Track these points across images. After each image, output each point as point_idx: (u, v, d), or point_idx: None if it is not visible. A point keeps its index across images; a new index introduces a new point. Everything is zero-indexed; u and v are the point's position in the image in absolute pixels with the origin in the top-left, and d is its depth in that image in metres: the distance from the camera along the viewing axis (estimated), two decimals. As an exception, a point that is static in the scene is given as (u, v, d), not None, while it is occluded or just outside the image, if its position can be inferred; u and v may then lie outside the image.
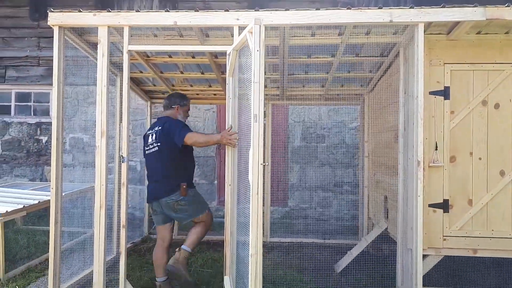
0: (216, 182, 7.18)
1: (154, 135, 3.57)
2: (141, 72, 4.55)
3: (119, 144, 4.23)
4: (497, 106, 3.48)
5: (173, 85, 4.99)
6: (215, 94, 5.15)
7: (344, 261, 4.23)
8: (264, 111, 5.21)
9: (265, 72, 4.34)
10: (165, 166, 3.48)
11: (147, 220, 5.47)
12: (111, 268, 3.79)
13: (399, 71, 3.50)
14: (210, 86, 4.92)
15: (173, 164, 3.47)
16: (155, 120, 3.81)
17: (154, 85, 5.01)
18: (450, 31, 3.41)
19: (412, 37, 3.22)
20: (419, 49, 3.07)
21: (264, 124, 3.14)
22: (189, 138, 3.36)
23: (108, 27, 3.21)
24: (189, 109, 3.86)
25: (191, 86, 4.95)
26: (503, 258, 3.59)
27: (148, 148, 3.62)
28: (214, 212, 6.99)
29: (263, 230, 5.34)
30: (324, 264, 4.34)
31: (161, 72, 4.52)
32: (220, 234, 5.06)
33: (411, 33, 3.23)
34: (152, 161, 3.58)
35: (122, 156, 3.25)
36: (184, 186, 3.44)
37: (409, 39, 3.33)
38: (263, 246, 3.27)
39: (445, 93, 3.47)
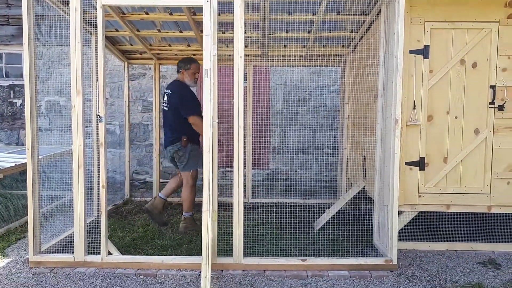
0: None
1: (166, 96, 4.15)
2: (117, 30, 4.38)
3: (96, 106, 4.13)
4: (474, 65, 3.52)
5: (150, 45, 4.84)
6: (194, 54, 5.02)
7: (323, 219, 4.35)
8: (245, 73, 5.16)
9: (245, 31, 4.25)
10: (172, 122, 4.10)
11: (128, 183, 5.47)
12: (92, 229, 3.79)
13: (380, 30, 3.47)
14: (189, 46, 4.79)
15: (178, 122, 4.04)
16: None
17: (131, 45, 4.84)
18: (432, -12, 3.38)
19: (393, -6, 3.17)
20: (400, 6, 3.04)
21: (245, 87, 3.10)
22: (191, 119, 3.97)
23: (80, -20, 3.05)
24: (196, 71, 4.16)
25: (169, 45, 4.81)
26: (474, 212, 3.76)
27: (162, 105, 4.24)
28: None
29: (245, 191, 5.41)
30: (303, 222, 4.44)
31: (138, 31, 4.36)
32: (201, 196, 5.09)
33: (393, -10, 3.18)
34: (164, 117, 4.23)
35: (99, 115, 3.17)
36: (185, 139, 4.02)
37: (390, -4, 3.28)
38: (244, 206, 3.33)
39: (424, 52, 3.48)
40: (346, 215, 4.51)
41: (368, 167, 4.16)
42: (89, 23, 3.95)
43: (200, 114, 3.93)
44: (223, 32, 4.19)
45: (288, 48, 4.81)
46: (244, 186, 5.40)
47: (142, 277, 3.13)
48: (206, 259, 2.69)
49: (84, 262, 3.23)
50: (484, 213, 3.73)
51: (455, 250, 3.71)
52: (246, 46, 4.71)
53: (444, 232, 4.00)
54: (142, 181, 7.06)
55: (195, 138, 4.16)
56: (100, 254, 3.21)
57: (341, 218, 4.37)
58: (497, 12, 3.48)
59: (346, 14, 3.87)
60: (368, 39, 4.12)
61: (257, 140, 6.71)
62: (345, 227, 4.20)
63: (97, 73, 3.97)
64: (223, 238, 3.59)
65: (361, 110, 4.44)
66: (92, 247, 3.43)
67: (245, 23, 4.00)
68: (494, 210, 3.67)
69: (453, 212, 3.75)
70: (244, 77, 5.26)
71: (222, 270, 3.22)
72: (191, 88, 4.19)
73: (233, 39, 3.03)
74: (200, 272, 3.15)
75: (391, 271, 3.25)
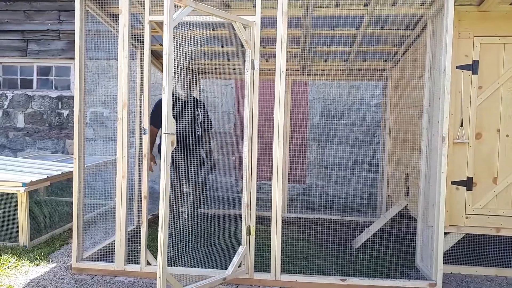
0: (233, 158, 7.19)
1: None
2: (161, 45, 4.51)
3: (140, 118, 4.26)
4: (528, 81, 3.34)
5: (192, 59, 4.95)
6: (234, 69, 5.09)
7: (362, 238, 4.22)
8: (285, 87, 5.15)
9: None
10: None
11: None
12: (131, 238, 3.87)
13: (426, 45, 3.37)
14: (229, 60, 4.87)
15: None
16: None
17: (173, 59, 4.96)
18: (481, 2, 3.26)
19: (440, 9, 3.08)
20: (449, 20, 2.94)
21: (284, 101, 3.09)
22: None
23: (129, -3, 3.18)
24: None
25: (211, 60, 4.91)
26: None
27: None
28: (231, 187, 7.06)
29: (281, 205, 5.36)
30: (341, 240, 4.33)
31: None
32: (236, 208, 5.11)
33: (440, 4, 3.09)
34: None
35: (143, 128, 3.26)
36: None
37: (437, 10, 3.18)
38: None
39: (473, 67, 3.34)
40: (387, 234, 4.35)
41: (411, 185, 4.01)
42: (135, 38, 4.10)
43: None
44: (264, 47, 4.22)
45: (328, 62, 4.77)
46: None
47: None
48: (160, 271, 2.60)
49: (123, 271, 3.29)
50: (538, 238, 3.49)
51: (505, 277, 3.49)
52: (286, 61, 4.72)
53: (492, 257, 3.77)
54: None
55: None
56: (139, 264, 3.26)
57: (381, 237, 4.22)
58: (553, 26, 3.30)
59: (390, 29, 3.80)
60: (412, 54, 4.02)
61: (294, 154, 6.66)
62: (386, 247, 4.05)
63: (141, 87, 4.13)
64: (259, 253, 3.56)
65: (404, 126, 4.31)
66: (131, 256, 3.49)
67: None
68: (549, 236, 3.43)
69: (503, 236, 3.53)
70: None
71: (259, 286, 3.19)
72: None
73: (273, 53, 3.04)
74: (237, 286, 3.13)
75: (436, 296, 3.09)
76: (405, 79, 4.24)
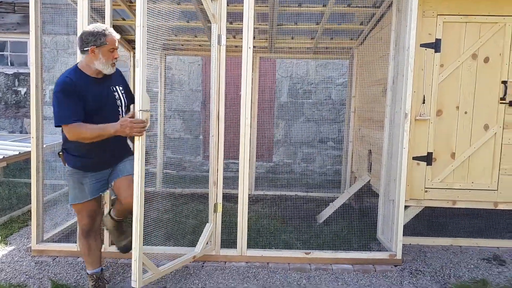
0: (201, 137, 7.12)
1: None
2: (124, 19, 4.33)
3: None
4: (486, 60, 3.46)
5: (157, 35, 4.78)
6: (200, 45, 4.97)
7: (327, 213, 4.32)
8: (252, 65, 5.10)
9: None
10: None
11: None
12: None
13: (391, 22, 3.41)
14: (195, 37, 4.74)
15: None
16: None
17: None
18: (445, -20, 3.31)
19: (406, -14, 3.11)
20: (413, -2, 2.97)
21: (252, 79, 3.06)
22: (69, 133, 2.37)
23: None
24: (114, 48, 2.50)
25: (175, 35, 4.76)
26: (479, 209, 3.73)
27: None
28: (198, 166, 7.01)
29: (248, 183, 5.39)
30: (307, 215, 4.42)
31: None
32: (203, 187, 5.10)
33: (405, -18, 3.11)
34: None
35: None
36: (60, 153, 2.62)
37: (403, -13, 3.22)
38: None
39: (436, 45, 3.42)
40: (350, 209, 4.48)
41: (373, 161, 4.12)
42: (96, 11, 3.89)
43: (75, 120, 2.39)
44: (231, 23, 4.13)
45: (296, 39, 4.75)
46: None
47: (146, 267, 3.13)
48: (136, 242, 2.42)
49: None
50: (490, 209, 3.70)
51: (460, 246, 3.69)
52: (253, 37, 4.65)
53: (449, 228, 3.97)
54: (146, 172, 7.04)
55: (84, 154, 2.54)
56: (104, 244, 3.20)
57: (345, 212, 4.34)
58: None
59: (357, 6, 3.81)
60: (377, 32, 4.06)
61: (262, 133, 6.67)
62: (349, 221, 4.18)
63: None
64: (226, 230, 3.58)
65: (368, 104, 4.39)
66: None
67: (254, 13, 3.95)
68: (500, 207, 3.64)
69: (458, 208, 3.72)
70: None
71: (226, 262, 3.21)
72: (107, 74, 2.54)
73: (240, 29, 2.98)
74: (203, 263, 3.15)
75: (395, 266, 3.23)
76: (371, 57, 4.29)
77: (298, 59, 6.27)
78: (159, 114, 5.44)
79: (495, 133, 3.51)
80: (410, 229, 3.75)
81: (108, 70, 2.51)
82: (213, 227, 3.12)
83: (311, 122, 6.99)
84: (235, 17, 4.13)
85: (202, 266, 3.16)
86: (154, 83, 6.89)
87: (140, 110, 2.31)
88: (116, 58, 2.52)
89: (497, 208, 3.65)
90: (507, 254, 3.55)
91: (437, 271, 3.21)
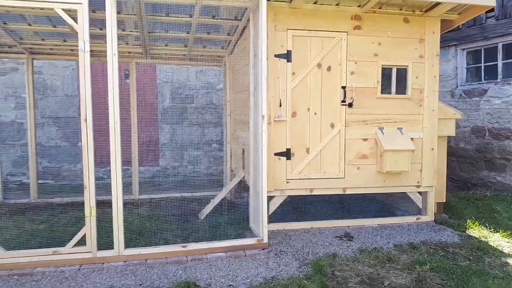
0: (79, 144, 6.86)
1: None
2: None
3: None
4: (329, 68, 4.12)
5: (21, 38, 4.57)
6: (72, 50, 4.88)
7: (207, 209, 4.63)
8: (128, 71, 5.17)
9: (123, 29, 4.32)
10: None
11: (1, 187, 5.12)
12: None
13: (249, 35, 3.85)
14: (65, 41, 4.65)
15: None
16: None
17: (-2, 37, 4.52)
18: None
19: (257, 3, 3.55)
20: (262, 14, 3.43)
21: (128, 83, 3.20)
22: None
23: None
24: None
25: (43, 40, 4.61)
26: (333, 194, 4.39)
27: None
28: (79, 174, 6.76)
29: (132, 188, 5.44)
30: (190, 214, 4.67)
31: (4, 23, 4.10)
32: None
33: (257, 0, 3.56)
34: None
35: None
36: None
37: (256, 4, 3.66)
38: (131, 203, 3.41)
39: (287, 56, 3.96)
40: (228, 203, 4.86)
41: (246, 159, 4.55)
42: None
43: None
44: (101, 29, 4.18)
45: (170, 46, 4.97)
46: (131, 183, 5.44)
47: (16, 277, 3.04)
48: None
49: None
50: (341, 194, 4.38)
51: (319, 228, 4.29)
52: (127, 44, 4.75)
53: (310, 213, 4.58)
54: (18, 182, 6.55)
55: None
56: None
57: (223, 207, 4.70)
58: (346, 24, 4.12)
59: (221, 18, 4.18)
60: (242, 42, 4.50)
61: (145, 137, 6.73)
62: (227, 214, 4.54)
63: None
64: (108, 234, 3.62)
65: (239, 108, 4.82)
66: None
67: (123, 21, 4.07)
68: (348, 192, 4.34)
69: (316, 195, 4.34)
70: (127, 74, 5.28)
71: (104, 263, 3.29)
72: None
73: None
74: (80, 266, 3.19)
75: (263, 249, 3.66)
76: (238, 65, 4.73)
77: (177, 65, 6.49)
78: (29, 122, 5.16)
79: (339, 130, 4.20)
80: (277, 216, 4.25)
81: None
82: (87, 229, 3.18)
83: (195, 126, 7.26)
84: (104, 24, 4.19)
85: (79, 269, 3.18)
86: (22, 89, 6.48)
87: None
88: None
89: (345, 193, 4.35)
90: (356, 231, 4.24)
91: (298, 250, 3.72)
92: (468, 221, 4.51)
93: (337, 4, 4.02)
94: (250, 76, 3.87)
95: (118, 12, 3.29)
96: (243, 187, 4.97)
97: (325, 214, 4.50)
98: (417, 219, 4.49)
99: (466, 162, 6.43)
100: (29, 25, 4.16)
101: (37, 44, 4.67)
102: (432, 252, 3.63)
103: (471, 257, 3.54)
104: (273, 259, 3.52)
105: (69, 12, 3.03)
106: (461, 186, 6.44)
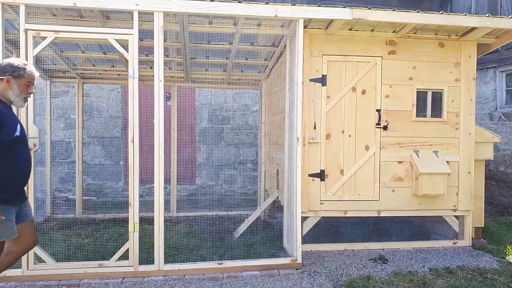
0: (122, 162, 7.23)
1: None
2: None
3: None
4: (363, 92, 4.20)
5: (74, 65, 4.97)
6: (119, 75, 5.23)
7: (242, 228, 4.74)
8: (170, 94, 5.47)
9: (167, 55, 4.60)
10: None
11: (50, 201, 5.47)
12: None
13: (286, 60, 4.01)
14: (113, 67, 5.01)
15: None
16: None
17: (54, 64, 4.93)
18: (327, 26, 4.01)
19: (295, 31, 3.73)
20: (299, 41, 3.59)
21: (170, 106, 3.43)
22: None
23: (2, 4, 3.19)
24: (31, 83, 2.58)
25: (94, 66, 4.99)
26: (367, 217, 4.39)
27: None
28: (120, 192, 7.09)
29: (170, 206, 5.66)
30: (225, 232, 4.81)
31: (61, 51, 4.50)
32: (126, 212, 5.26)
33: (295, 27, 3.74)
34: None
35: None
36: None
37: (293, 32, 3.84)
38: (169, 220, 3.58)
39: (322, 80, 4.09)
40: (263, 223, 4.96)
41: (280, 179, 4.66)
42: (10, 43, 4.01)
43: None
44: (147, 55, 4.49)
45: (210, 71, 5.24)
46: (170, 201, 5.65)
47: (65, 287, 3.26)
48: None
49: (4, 277, 3.27)
50: (375, 216, 4.38)
51: (352, 250, 4.30)
52: (170, 69, 5.05)
53: (343, 235, 4.59)
54: (64, 198, 6.95)
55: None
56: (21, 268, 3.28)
57: (258, 226, 4.80)
58: (381, 49, 4.21)
59: (259, 45, 4.39)
60: (279, 67, 4.68)
61: (183, 157, 6.99)
62: (261, 233, 4.64)
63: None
64: (149, 250, 3.80)
65: (274, 129, 4.97)
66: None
67: (167, 48, 4.36)
68: (382, 214, 4.33)
69: (350, 217, 4.36)
70: (169, 97, 5.58)
71: (144, 277, 3.46)
72: (18, 107, 2.67)
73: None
74: (123, 279, 3.37)
75: (297, 269, 3.71)
76: (274, 89, 4.90)
77: (215, 89, 6.77)
78: (77, 141, 5.53)
79: (374, 152, 4.24)
80: (311, 237, 4.29)
81: (19, 104, 2.54)
82: (130, 244, 3.37)
83: (231, 146, 7.47)
84: (150, 50, 4.50)
85: (122, 282, 3.37)
86: (72, 110, 6.93)
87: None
88: (30, 94, 2.59)
89: (380, 216, 4.35)
90: (390, 254, 4.22)
91: (332, 271, 3.74)
92: (508, 247, 4.36)
93: (371, 30, 4.13)
94: (286, 100, 4.01)
95: (164, 40, 3.54)
96: (277, 207, 5.06)
97: (359, 236, 4.49)
98: (453, 243, 4.40)
99: (506, 186, 6.22)
100: (82, 52, 4.54)
101: (88, 70, 5.06)
102: (470, 278, 3.55)
103: (511, 284, 3.44)
104: (307, 279, 3.56)
105: (120, 41, 3.33)
106: (501, 211, 6.22)
